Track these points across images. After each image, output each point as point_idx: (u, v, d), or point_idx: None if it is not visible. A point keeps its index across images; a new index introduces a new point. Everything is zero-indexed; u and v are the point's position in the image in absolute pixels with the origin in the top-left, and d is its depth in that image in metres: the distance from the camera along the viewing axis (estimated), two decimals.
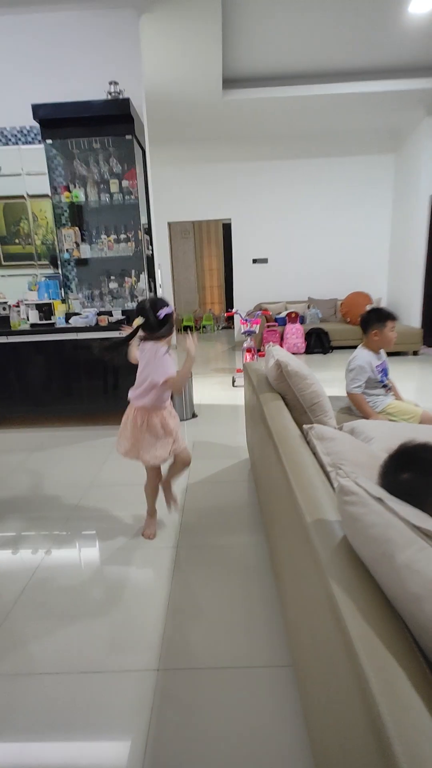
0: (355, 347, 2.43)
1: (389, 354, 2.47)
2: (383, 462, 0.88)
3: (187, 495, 2.33)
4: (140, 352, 1.82)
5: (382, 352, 2.39)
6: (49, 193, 3.38)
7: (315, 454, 1.24)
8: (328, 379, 3.48)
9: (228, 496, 2.30)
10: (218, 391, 4.40)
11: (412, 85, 4.69)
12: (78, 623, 1.48)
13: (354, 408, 2.33)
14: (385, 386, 2.35)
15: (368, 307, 2.54)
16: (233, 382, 4.64)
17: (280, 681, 1.23)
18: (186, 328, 8.99)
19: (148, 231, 3.51)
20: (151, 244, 3.58)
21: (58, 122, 3.10)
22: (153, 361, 1.76)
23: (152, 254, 3.60)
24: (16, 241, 3.66)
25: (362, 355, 2.29)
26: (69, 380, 3.34)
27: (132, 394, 1.84)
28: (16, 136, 3.38)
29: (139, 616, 1.50)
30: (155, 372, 1.74)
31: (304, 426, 1.34)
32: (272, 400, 1.73)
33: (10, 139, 3.39)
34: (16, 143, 3.39)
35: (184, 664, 1.30)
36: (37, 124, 3.25)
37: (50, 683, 1.27)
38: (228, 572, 1.70)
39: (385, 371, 2.36)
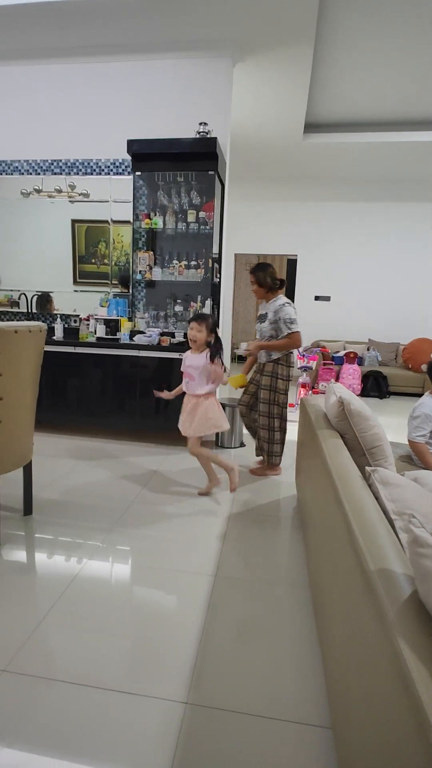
0: (414, 395, 2.33)
1: None
2: None
3: (230, 524, 2.28)
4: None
5: None
6: (131, 220, 3.61)
7: (377, 498, 1.17)
8: (384, 425, 3.33)
9: (272, 532, 2.23)
10: None
11: None
12: (107, 639, 1.46)
13: (415, 457, 2.20)
14: None
15: None
16: None
17: (317, 742, 1.12)
18: (240, 358, 9.05)
19: (218, 260, 3.63)
20: (220, 273, 3.69)
21: (148, 156, 3.34)
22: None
23: (219, 282, 3.70)
24: (93, 260, 3.92)
25: (429, 403, 2.17)
26: (124, 395, 3.45)
27: None
28: (108, 167, 3.68)
29: (170, 643, 1.46)
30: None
31: (367, 468, 1.28)
32: (331, 437, 1.67)
33: (103, 170, 3.69)
34: (108, 174, 3.69)
35: (215, 704, 1.23)
36: (127, 157, 3.53)
37: (69, 693, 1.25)
38: (266, 611, 1.62)
39: None
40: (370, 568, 0.83)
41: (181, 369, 2.58)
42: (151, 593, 1.72)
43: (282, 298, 2.83)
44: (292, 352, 2.89)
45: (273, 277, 2.84)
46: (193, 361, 2.50)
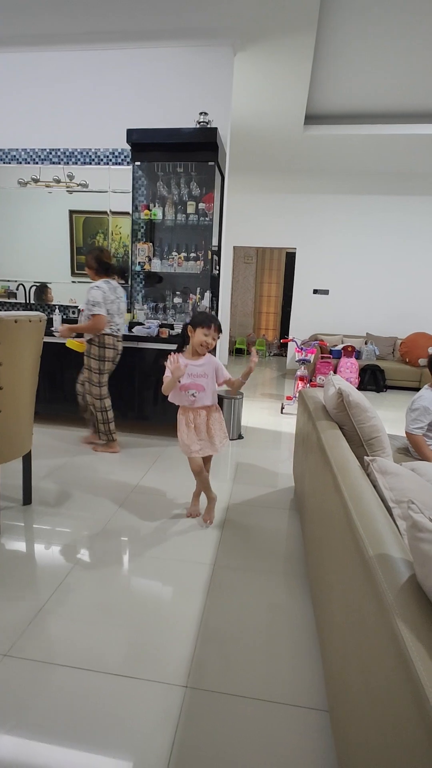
0: (411, 389, 2.35)
1: None
2: None
3: (228, 515, 2.30)
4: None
5: None
6: (130, 211, 3.59)
7: (376, 487, 1.19)
8: (381, 419, 3.35)
9: (269, 522, 2.25)
10: (266, 417, 4.36)
11: None
12: (107, 626, 1.48)
13: (412, 449, 2.22)
14: None
15: None
16: (282, 409, 4.58)
17: (314, 725, 1.15)
18: (238, 351, 9.07)
19: (217, 253, 3.62)
20: (219, 265, 3.68)
21: (148, 146, 3.30)
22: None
23: (218, 275, 3.69)
24: None
25: (428, 396, 2.19)
26: (123, 387, 3.45)
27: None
28: (108, 157, 3.65)
29: (169, 629, 1.48)
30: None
31: (366, 457, 1.30)
32: (330, 428, 1.69)
33: (102, 159, 3.66)
34: (107, 163, 3.66)
35: (214, 687, 1.26)
36: (127, 147, 3.50)
37: (70, 677, 1.27)
38: (264, 598, 1.65)
39: None
40: (369, 553, 0.85)
41: (181, 385, 2.06)
42: (150, 581, 1.74)
43: (98, 282, 2.84)
44: (109, 333, 2.90)
45: (99, 261, 2.89)
46: (199, 368, 2.06)
